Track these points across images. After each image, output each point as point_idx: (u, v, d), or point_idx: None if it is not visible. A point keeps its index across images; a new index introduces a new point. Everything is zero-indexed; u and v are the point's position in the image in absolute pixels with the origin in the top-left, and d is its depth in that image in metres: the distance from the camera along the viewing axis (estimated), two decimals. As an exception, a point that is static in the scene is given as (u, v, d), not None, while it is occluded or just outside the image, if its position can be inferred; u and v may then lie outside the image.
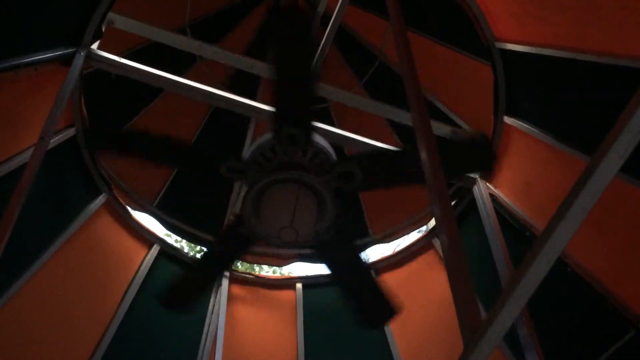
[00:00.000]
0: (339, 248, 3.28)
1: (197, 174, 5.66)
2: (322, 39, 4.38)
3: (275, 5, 2.71)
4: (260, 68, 5.11)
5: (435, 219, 1.98)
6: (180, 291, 3.63)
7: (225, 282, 5.34)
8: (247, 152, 3.21)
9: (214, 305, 5.19)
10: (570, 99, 3.72)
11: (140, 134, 3.39)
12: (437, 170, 2.09)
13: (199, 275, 3.67)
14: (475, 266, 4.31)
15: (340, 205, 3.04)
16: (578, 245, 3.67)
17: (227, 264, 3.63)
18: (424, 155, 2.16)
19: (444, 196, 1.99)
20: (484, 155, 3.48)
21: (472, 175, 4.52)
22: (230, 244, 3.42)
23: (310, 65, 2.87)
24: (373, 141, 4.34)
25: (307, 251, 5.74)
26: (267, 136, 3.12)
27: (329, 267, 3.48)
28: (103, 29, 4.10)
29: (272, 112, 2.99)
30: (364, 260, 3.45)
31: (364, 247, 5.97)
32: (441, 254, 4.88)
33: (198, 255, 9.34)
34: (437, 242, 5.17)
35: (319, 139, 3.15)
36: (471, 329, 1.55)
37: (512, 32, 3.89)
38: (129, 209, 5.23)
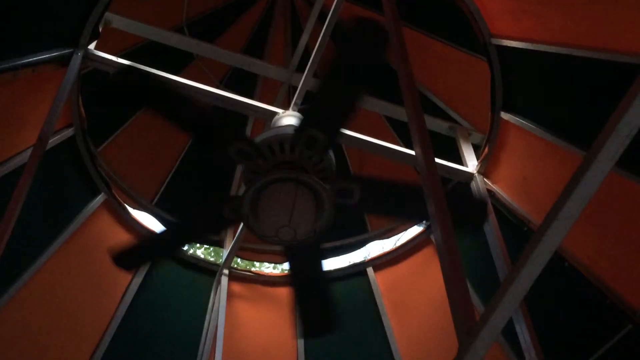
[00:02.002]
0: (307, 250, 3.25)
1: (199, 161, 5.68)
2: (319, 35, 4.38)
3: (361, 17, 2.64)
4: (258, 66, 5.13)
5: (430, 217, 1.98)
6: (135, 253, 3.54)
7: (224, 280, 5.34)
8: (260, 137, 3.15)
9: (213, 303, 5.20)
10: (566, 94, 3.73)
11: (162, 85, 3.31)
12: (431, 166, 2.10)
13: (159, 242, 3.62)
14: (473, 263, 4.33)
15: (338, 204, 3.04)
16: (575, 239, 3.69)
17: (191, 239, 3.56)
18: (418, 151, 2.17)
19: (439, 193, 2.00)
20: (477, 212, 3.46)
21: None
22: (202, 220, 3.39)
23: (366, 85, 2.86)
24: (372, 139, 4.34)
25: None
26: (288, 129, 3.10)
27: (292, 266, 3.44)
28: (100, 29, 4.11)
29: (306, 108, 2.97)
30: (324, 268, 3.40)
31: (363, 243, 5.99)
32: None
33: (199, 252, 9.39)
34: (436, 237, 5.17)
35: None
36: (466, 329, 1.56)
37: (508, 28, 3.89)
38: (128, 207, 5.23)
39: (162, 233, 3.67)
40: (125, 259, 3.45)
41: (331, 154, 3.12)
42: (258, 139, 3.11)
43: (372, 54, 2.70)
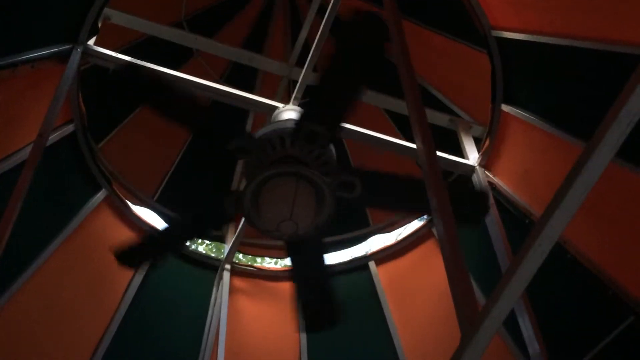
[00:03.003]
0: (310, 245, 3.25)
1: (200, 156, 5.67)
2: (318, 30, 4.37)
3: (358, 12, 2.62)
4: (258, 60, 5.12)
5: (432, 210, 1.98)
6: (137, 250, 3.55)
7: (226, 275, 5.34)
8: (260, 132, 3.15)
9: (215, 298, 5.20)
10: (567, 85, 3.72)
11: (165, 80, 3.31)
12: (432, 159, 2.10)
13: (162, 239, 3.63)
14: (475, 255, 4.33)
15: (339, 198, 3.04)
16: (577, 231, 3.68)
17: (194, 235, 3.58)
18: (419, 144, 2.17)
19: (440, 187, 2.00)
20: (478, 205, 3.44)
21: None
22: (204, 216, 3.39)
23: (366, 78, 2.85)
24: (372, 132, 4.34)
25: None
26: (288, 123, 3.10)
27: (294, 262, 3.45)
28: (99, 25, 4.10)
29: (306, 102, 2.97)
30: (325, 263, 3.40)
31: (365, 237, 5.98)
32: (442, 243, 4.89)
33: (200, 249, 9.39)
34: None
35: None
36: (468, 320, 1.56)
37: (509, 20, 3.88)
38: (129, 203, 5.23)
39: (165, 230, 3.67)
40: (128, 256, 3.45)
41: (332, 147, 3.12)
42: (258, 133, 3.10)
43: (372, 46, 2.69)
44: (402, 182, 3.23)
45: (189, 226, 3.45)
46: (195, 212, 3.43)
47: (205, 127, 3.17)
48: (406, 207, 3.43)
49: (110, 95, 4.99)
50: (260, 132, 3.11)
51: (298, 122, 2.97)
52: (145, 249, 3.55)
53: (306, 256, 3.29)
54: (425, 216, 5.36)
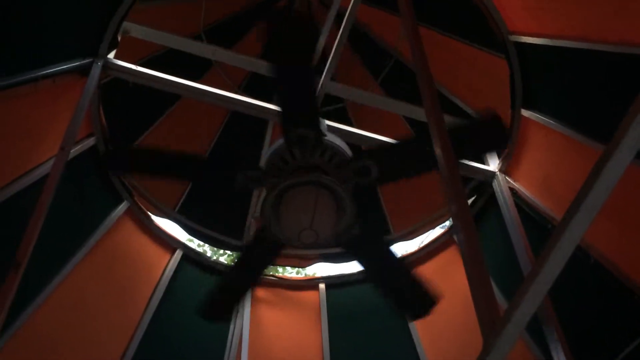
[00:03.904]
0: (368, 244, 3.28)
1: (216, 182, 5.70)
2: (335, 38, 4.38)
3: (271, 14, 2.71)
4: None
5: (452, 216, 1.97)
6: (218, 302, 3.64)
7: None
8: (263, 158, 3.21)
9: (238, 308, 5.20)
10: (587, 89, 3.69)
11: (154, 151, 3.43)
12: (452, 167, 2.09)
13: (234, 284, 3.67)
14: (498, 262, 4.30)
15: (359, 205, 3.05)
16: (600, 236, 3.64)
17: (260, 270, 3.63)
18: (438, 151, 2.16)
19: (460, 192, 1.99)
20: (494, 132, 3.42)
21: (487, 154, 4.51)
22: (261, 250, 3.42)
23: (309, 65, 2.88)
24: (388, 138, 4.33)
25: (330, 251, 5.75)
26: (280, 141, 3.14)
27: (362, 263, 3.49)
28: (119, 38, 4.15)
29: (280, 116, 3.02)
30: (394, 253, 3.43)
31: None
32: (463, 250, 4.86)
33: (222, 259, 9.41)
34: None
35: (332, 138, 3.15)
36: (490, 324, 1.55)
37: (527, 24, 3.87)
38: (151, 215, 5.26)
39: (234, 273, 3.71)
40: (212, 311, 3.57)
41: (339, 142, 3.17)
42: (262, 159, 3.16)
43: (295, 37, 2.75)
44: (409, 144, 3.25)
45: (253, 265, 3.52)
46: (255, 249, 3.48)
47: (209, 175, 3.27)
48: (420, 168, 3.42)
49: (131, 108, 5.05)
50: (263, 157, 3.16)
51: (284, 135, 3.02)
52: (225, 299, 3.62)
53: (373, 254, 3.34)
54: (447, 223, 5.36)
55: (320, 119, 3.07)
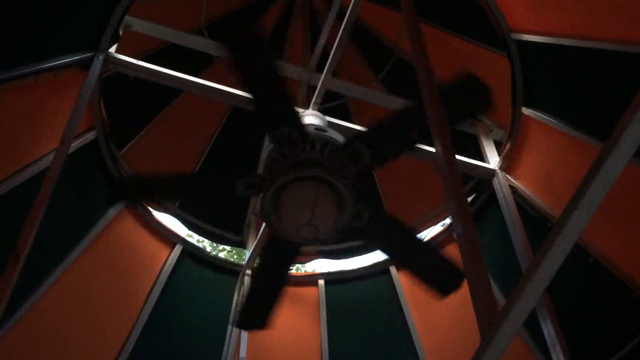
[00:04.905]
0: (386, 229, 3.26)
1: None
2: (337, 35, 4.38)
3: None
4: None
5: (451, 214, 1.97)
6: (252, 311, 3.62)
7: (248, 280, 5.36)
8: (261, 161, 3.21)
9: (237, 303, 5.21)
10: (588, 87, 3.69)
11: (158, 178, 3.43)
12: (452, 163, 2.09)
13: (264, 290, 3.65)
14: (498, 260, 4.30)
15: (359, 200, 3.04)
16: (599, 234, 3.65)
17: (285, 269, 3.61)
18: (438, 148, 2.16)
19: (460, 190, 1.99)
20: (478, 94, 3.36)
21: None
22: (280, 252, 3.42)
23: (270, 65, 2.87)
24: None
25: (329, 247, 5.77)
26: (270, 146, 3.14)
27: (384, 249, 3.49)
28: (120, 33, 4.14)
29: (260, 121, 3.04)
30: (415, 232, 3.43)
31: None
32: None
33: (221, 255, 9.41)
34: (458, 235, 5.15)
35: (324, 131, 3.14)
36: (488, 321, 1.56)
37: (528, 22, 3.87)
38: (151, 210, 5.27)
39: (261, 279, 3.69)
40: (249, 321, 3.56)
41: (333, 134, 3.15)
42: (309, 128, 3.13)
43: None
44: (398, 118, 3.22)
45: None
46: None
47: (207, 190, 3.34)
48: (414, 141, 3.39)
49: (131, 102, 5.06)
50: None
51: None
52: (258, 307, 3.60)
53: (394, 238, 3.33)
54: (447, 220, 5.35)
55: (300, 114, 3.07)
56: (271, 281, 3.50)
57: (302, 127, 3.02)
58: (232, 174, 3.18)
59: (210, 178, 3.48)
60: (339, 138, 3.11)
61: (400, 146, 3.13)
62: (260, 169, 4.71)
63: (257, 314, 3.59)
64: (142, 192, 3.60)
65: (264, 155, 3.24)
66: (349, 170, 3.06)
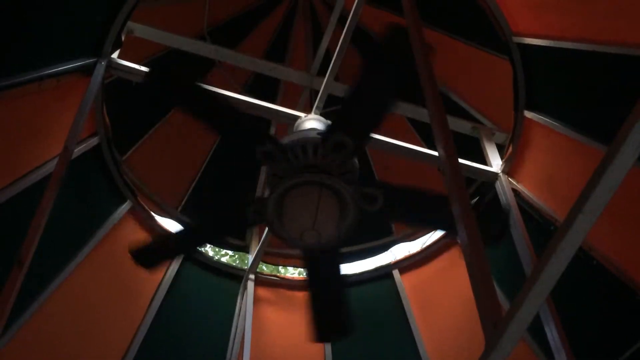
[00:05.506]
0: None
1: (224, 167, 5.71)
2: (339, 39, 4.38)
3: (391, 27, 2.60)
4: (279, 71, 5.14)
5: (455, 217, 1.97)
6: (152, 251, 3.55)
7: (251, 285, 5.37)
8: (286, 139, 3.15)
9: (240, 308, 5.22)
10: (590, 90, 3.69)
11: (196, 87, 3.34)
12: (455, 167, 2.09)
13: (173, 243, 3.65)
14: (500, 263, 4.30)
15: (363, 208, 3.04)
16: (603, 237, 3.65)
17: (212, 239, 3.61)
18: (441, 152, 2.16)
19: (463, 193, 1.99)
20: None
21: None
22: (223, 221, 3.42)
23: (395, 92, 2.85)
24: (395, 140, 4.33)
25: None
26: (314, 132, 3.11)
27: (309, 272, 3.46)
28: (123, 38, 4.15)
29: (335, 112, 2.99)
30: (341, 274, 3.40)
31: (389, 246, 5.96)
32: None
33: (224, 259, 9.42)
34: (461, 239, 5.14)
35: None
36: (493, 324, 1.55)
37: (530, 25, 3.87)
38: (154, 214, 5.27)
39: (182, 232, 3.70)
40: (144, 256, 3.48)
41: (355, 158, 3.12)
42: (284, 141, 3.11)
43: (403, 58, 2.69)
44: (425, 196, 3.21)
45: (208, 230, 3.49)
46: (217, 217, 3.46)
47: (235, 130, 3.19)
48: (428, 222, 3.38)
49: (135, 107, 5.05)
50: (287, 139, 3.11)
51: (326, 132, 2.98)
52: (162, 249, 3.58)
53: (322, 266, 3.30)
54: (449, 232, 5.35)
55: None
56: (185, 243, 3.58)
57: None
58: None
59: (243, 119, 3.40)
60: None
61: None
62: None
63: (153, 258, 3.57)
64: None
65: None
66: (339, 162, 3.04)
